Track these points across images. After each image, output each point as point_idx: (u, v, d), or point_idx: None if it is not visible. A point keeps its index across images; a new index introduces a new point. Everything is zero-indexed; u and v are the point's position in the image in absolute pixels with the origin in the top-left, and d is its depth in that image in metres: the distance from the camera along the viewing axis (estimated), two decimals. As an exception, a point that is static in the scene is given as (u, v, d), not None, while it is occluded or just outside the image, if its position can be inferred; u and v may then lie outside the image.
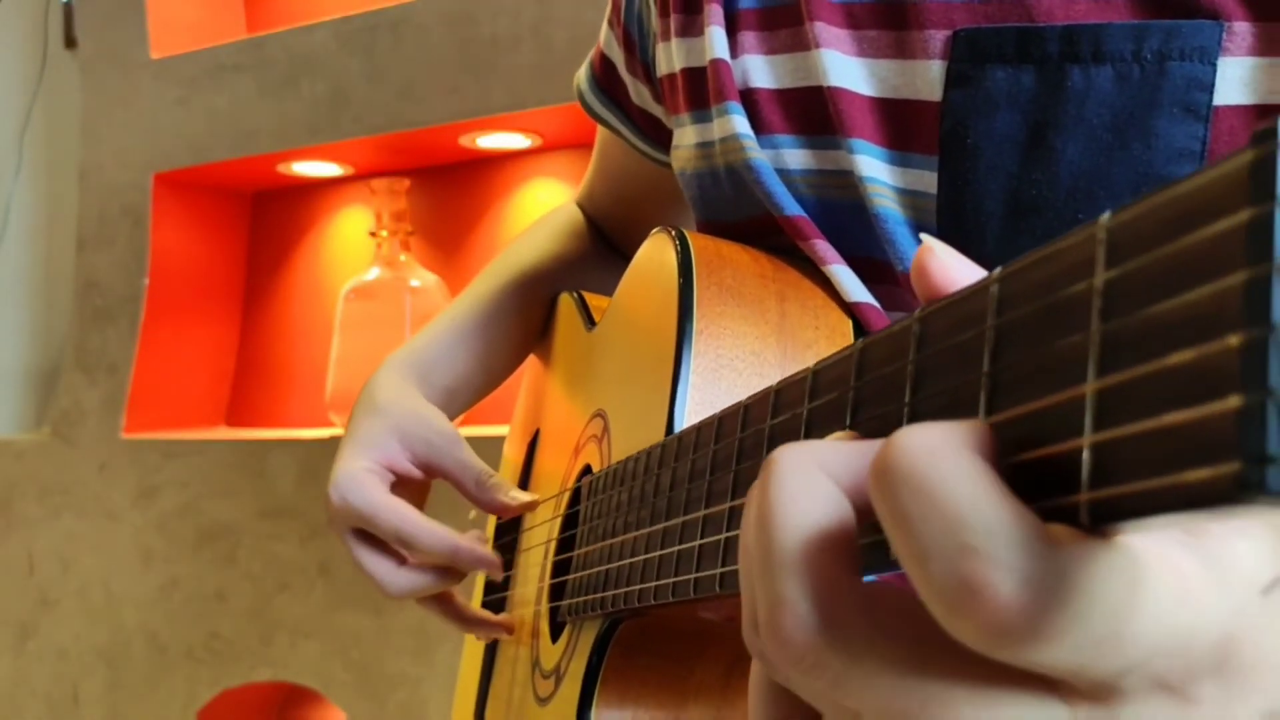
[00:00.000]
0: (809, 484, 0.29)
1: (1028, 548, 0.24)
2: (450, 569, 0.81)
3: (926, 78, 0.61)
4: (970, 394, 0.26)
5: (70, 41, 2.55)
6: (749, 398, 0.43)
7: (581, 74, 0.97)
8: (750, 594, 0.31)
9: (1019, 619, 0.24)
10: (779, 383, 0.39)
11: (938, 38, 0.61)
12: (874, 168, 0.63)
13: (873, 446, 0.29)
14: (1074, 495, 0.21)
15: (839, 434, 0.32)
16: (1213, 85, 0.53)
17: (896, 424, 0.29)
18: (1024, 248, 0.56)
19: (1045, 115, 0.57)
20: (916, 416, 0.28)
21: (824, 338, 0.63)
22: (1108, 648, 0.25)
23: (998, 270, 0.25)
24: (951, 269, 0.33)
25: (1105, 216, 0.21)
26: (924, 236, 0.35)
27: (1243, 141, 0.52)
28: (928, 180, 0.61)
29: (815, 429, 0.35)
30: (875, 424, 0.31)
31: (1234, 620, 0.27)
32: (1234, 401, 0.18)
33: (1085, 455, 0.21)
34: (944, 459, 0.25)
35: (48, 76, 2.63)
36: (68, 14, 2.56)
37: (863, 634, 0.28)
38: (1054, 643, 0.24)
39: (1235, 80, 0.53)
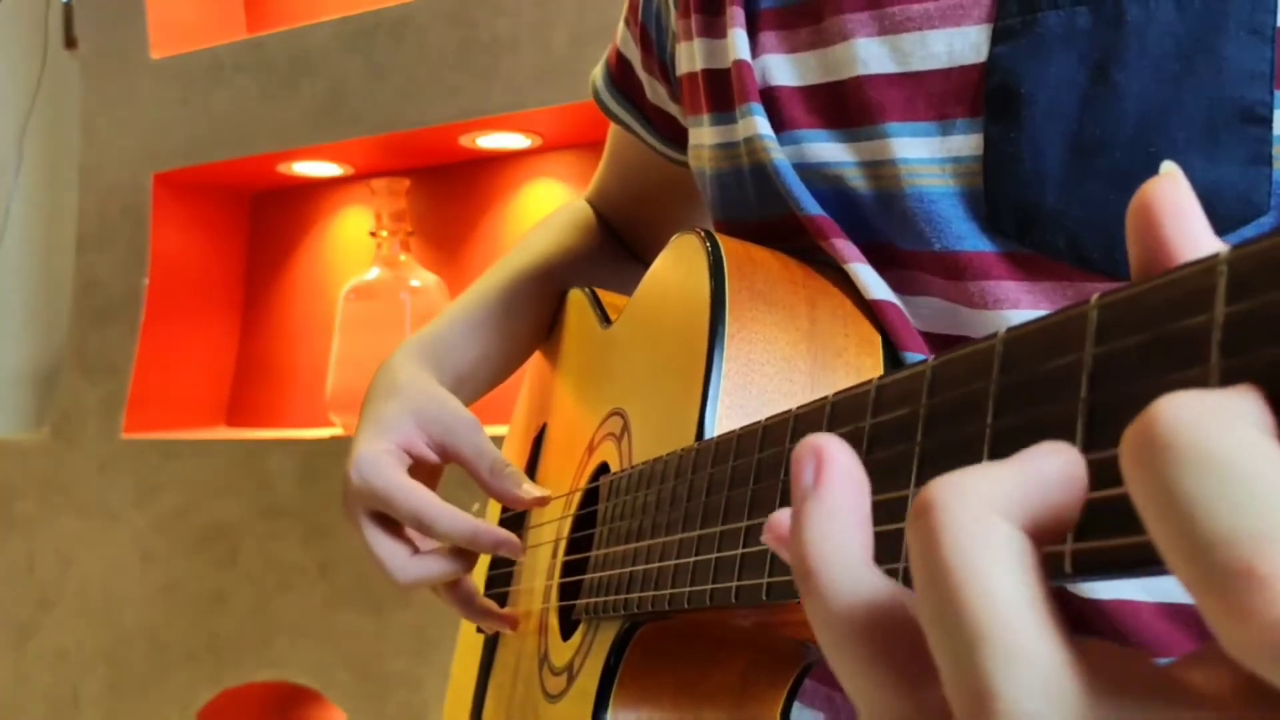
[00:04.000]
0: (995, 540, 0.25)
1: None
2: (461, 559, 0.81)
3: (967, 43, 0.61)
4: (1065, 421, 0.25)
5: (70, 41, 2.54)
6: (799, 407, 0.43)
7: (597, 72, 0.98)
8: (948, 674, 0.25)
9: None
10: (835, 394, 0.39)
11: (980, 2, 0.61)
12: (910, 147, 0.63)
13: (1030, 462, 0.26)
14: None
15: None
16: (1276, 7, 0.53)
17: (977, 447, 0.29)
18: (1093, 191, 0.56)
19: (1105, 53, 0.56)
20: (999, 440, 0.28)
21: (854, 345, 0.63)
22: None
23: (1095, 297, 0.25)
24: (1188, 209, 0.27)
25: (1224, 249, 0.21)
26: (1167, 164, 0.28)
27: None
28: (973, 143, 0.61)
29: (878, 445, 0.35)
30: (949, 444, 0.31)
31: None
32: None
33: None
34: (1232, 430, 0.21)
35: (48, 76, 2.62)
36: (68, 14, 2.55)
37: (1093, 706, 0.24)
38: None
39: None
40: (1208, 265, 0.22)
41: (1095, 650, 0.24)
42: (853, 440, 0.37)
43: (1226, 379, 0.21)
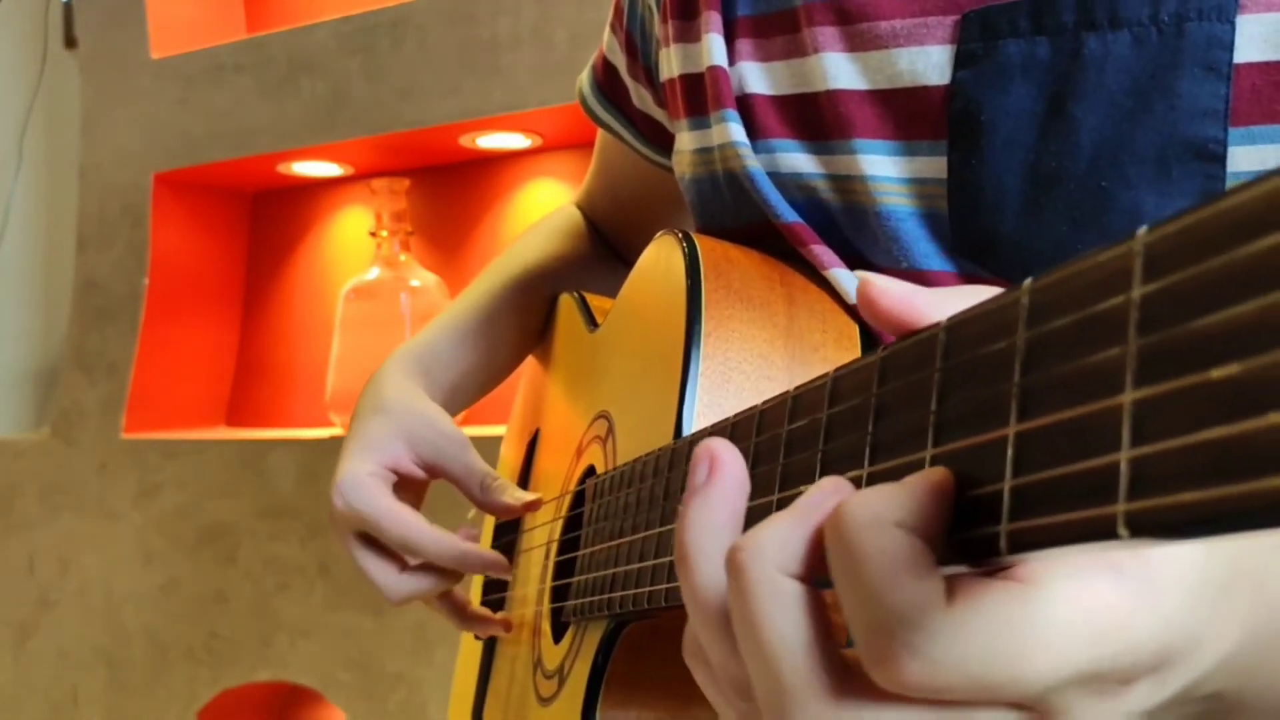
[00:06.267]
0: (781, 596, 0.33)
1: (921, 622, 0.29)
2: (449, 572, 0.82)
3: (929, 63, 0.61)
4: (1001, 403, 0.26)
5: (70, 41, 2.54)
6: (764, 403, 0.43)
7: (584, 77, 0.98)
8: (760, 695, 0.35)
9: (914, 678, 0.30)
10: (796, 388, 0.39)
11: (944, 23, 0.60)
12: (879, 165, 0.63)
13: (806, 514, 0.34)
14: (1111, 506, 0.21)
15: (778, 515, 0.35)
16: (1232, 43, 0.52)
17: (922, 431, 0.29)
18: (1048, 222, 0.57)
19: (1063, 85, 0.56)
20: (943, 425, 0.28)
21: (831, 341, 0.63)
22: (1008, 685, 0.30)
23: (1028, 281, 0.25)
24: (894, 293, 0.36)
25: (1142, 230, 0.21)
26: (858, 273, 0.39)
27: (1266, 99, 0.52)
28: (936, 166, 0.61)
29: (835, 435, 0.35)
30: (898, 431, 0.31)
31: (1166, 630, 0.32)
32: (1275, 418, 0.18)
33: (1123, 467, 0.21)
34: (870, 535, 0.30)
35: (48, 76, 2.62)
36: (68, 14, 2.55)
37: (874, 706, 0.32)
38: (952, 690, 0.30)
39: (1255, 37, 0.52)
40: (1127, 247, 0.22)
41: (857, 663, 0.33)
42: (811, 432, 0.37)
43: (1143, 357, 0.21)
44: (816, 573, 0.33)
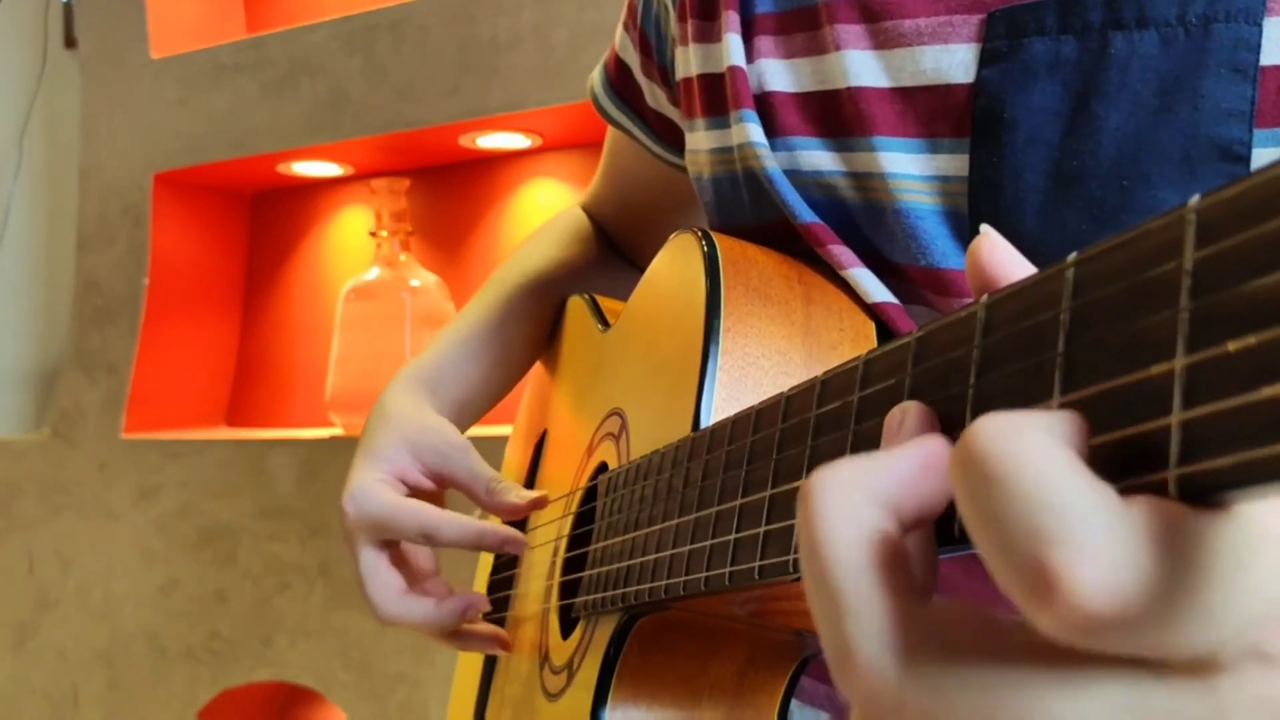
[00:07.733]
0: (850, 512, 0.29)
1: (1109, 532, 0.23)
2: (446, 613, 0.81)
3: (954, 61, 0.61)
4: (1044, 374, 0.26)
5: (70, 41, 2.54)
6: (790, 389, 0.43)
7: (595, 76, 0.98)
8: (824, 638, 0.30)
9: (1103, 609, 0.23)
10: (824, 374, 0.39)
11: (970, 21, 0.61)
12: (899, 162, 0.63)
13: (905, 454, 0.30)
14: (1161, 472, 0.22)
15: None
16: (1259, 45, 0.52)
17: (960, 407, 0.29)
18: (1068, 220, 0.57)
19: (1088, 84, 0.56)
20: (982, 399, 0.29)
21: (849, 340, 0.63)
22: (1202, 625, 0.24)
23: (1073, 255, 0.26)
24: (1007, 258, 0.34)
25: (1194, 200, 0.22)
26: (984, 227, 0.36)
27: None
28: (958, 164, 0.61)
29: (866, 416, 0.35)
30: (935, 409, 0.31)
31: None
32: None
33: (1174, 431, 0.21)
34: (1020, 441, 0.24)
35: (48, 76, 2.62)
36: (68, 14, 2.55)
37: (936, 661, 0.27)
38: (1143, 630, 0.23)
39: None
40: (1178, 215, 0.22)
41: (941, 608, 0.28)
42: (841, 414, 0.37)
43: (1195, 321, 0.21)
44: (904, 514, 0.29)
